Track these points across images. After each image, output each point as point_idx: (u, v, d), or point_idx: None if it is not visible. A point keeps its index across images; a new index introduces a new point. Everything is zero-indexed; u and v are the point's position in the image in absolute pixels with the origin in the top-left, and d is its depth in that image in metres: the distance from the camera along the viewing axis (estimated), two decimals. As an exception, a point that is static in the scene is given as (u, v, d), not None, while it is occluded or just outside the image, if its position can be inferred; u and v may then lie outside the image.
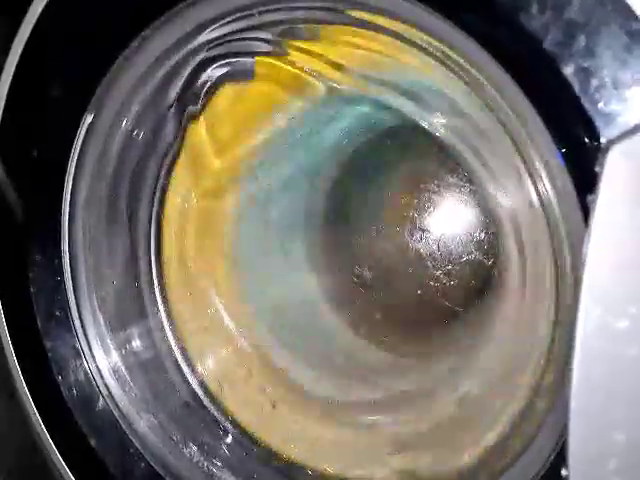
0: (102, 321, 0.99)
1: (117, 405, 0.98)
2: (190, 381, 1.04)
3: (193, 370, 1.04)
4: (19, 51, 0.90)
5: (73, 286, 0.97)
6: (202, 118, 0.99)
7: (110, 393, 0.98)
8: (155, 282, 1.04)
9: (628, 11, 0.62)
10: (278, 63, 0.95)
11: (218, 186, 1.04)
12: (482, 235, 0.99)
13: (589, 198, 0.63)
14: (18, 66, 0.91)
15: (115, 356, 1.00)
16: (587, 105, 0.63)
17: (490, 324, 0.95)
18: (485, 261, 0.99)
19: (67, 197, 0.95)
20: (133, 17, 0.87)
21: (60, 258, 0.96)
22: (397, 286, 1.08)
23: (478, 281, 1.00)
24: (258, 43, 0.93)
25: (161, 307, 1.04)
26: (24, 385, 0.97)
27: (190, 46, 0.91)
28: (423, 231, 1.03)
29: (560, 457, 0.71)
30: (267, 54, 0.94)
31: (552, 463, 0.74)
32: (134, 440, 0.98)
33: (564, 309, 0.76)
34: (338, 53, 0.92)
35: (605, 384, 0.64)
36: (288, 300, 1.11)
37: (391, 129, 1.03)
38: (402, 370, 1.06)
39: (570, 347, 0.63)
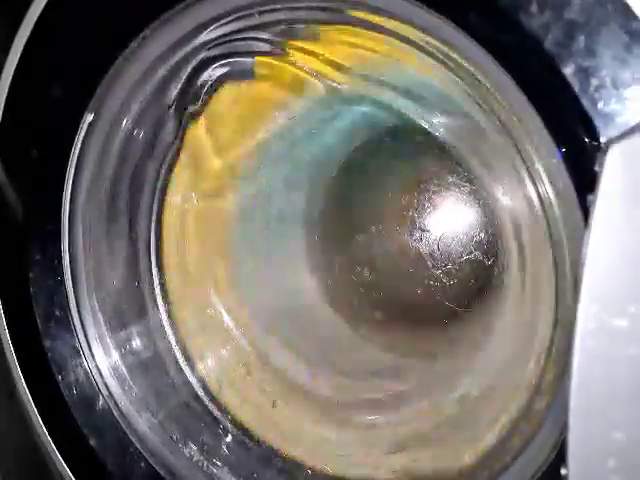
0: (102, 321, 0.99)
1: (117, 405, 0.98)
2: (190, 380, 1.04)
3: (193, 369, 1.04)
4: (19, 51, 0.90)
5: (73, 286, 0.97)
6: (202, 118, 0.99)
7: (110, 393, 0.98)
8: (155, 282, 1.04)
9: (628, 11, 0.62)
10: (278, 63, 0.95)
11: (218, 186, 1.04)
12: (482, 235, 0.99)
13: (589, 198, 0.63)
14: (18, 66, 0.91)
15: (115, 356, 1.00)
16: (587, 105, 0.63)
17: (490, 324, 0.95)
18: (485, 261, 0.99)
19: (67, 197, 0.95)
20: (133, 17, 0.87)
21: (60, 258, 0.96)
22: (397, 286, 1.08)
23: (478, 281, 1.00)
24: (258, 43, 0.93)
25: (161, 307, 1.04)
26: (24, 385, 0.97)
27: (190, 46, 0.91)
28: (423, 231, 1.03)
29: (559, 456, 0.71)
30: (267, 54, 0.94)
31: (551, 462, 0.74)
32: (134, 439, 0.98)
33: (564, 309, 0.77)
34: (338, 53, 0.92)
35: (604, 383, 0.64)
36: (288, 300, 1.11)
37: (391, 129, 1.03)
38: (402, 370, 1.06)
39: (570, 346, 0.63)
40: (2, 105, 0.92)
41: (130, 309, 1.02)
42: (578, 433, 0.64)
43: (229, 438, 1.02)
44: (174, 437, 1.00)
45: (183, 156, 1.01)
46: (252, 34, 0.91)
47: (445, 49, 0.80)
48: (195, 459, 1.00)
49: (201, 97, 0.97)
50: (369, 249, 1.09)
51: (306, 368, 1.06)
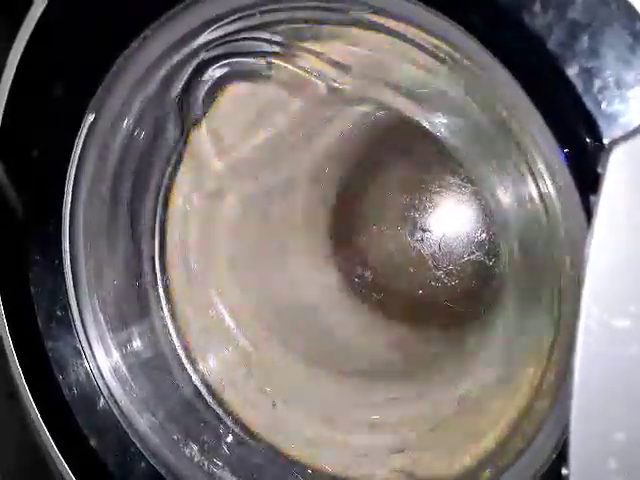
0: (103, 321, 0.99)
1: (118, 405, 0.98)
2: (191, 381, 1.04)
3: (193, 370, 1.04)
4: (20, 51, 0.90)
5: (74, 286, 0.97)
6: (203, 118, 0.99)
7: (111, 393, 0.98)
8: (157, 282, 1.04)
9: (631, 11, 0.62)
10: (279, 63, 0.95)
11: (219, 186, 1.04)
12: (483, 235, 0.99)
13: (592, 199, 0.63)
14: (19, 66, 0.90)
15: (116, 356, 1.00)
16: (590, 105, 0.63)
17: (490, 324, 0.96)
18: (487, 261, 0.99)
19: (68, 197, 0.94)
20: (133, 17, 0.87)
21: (61, 258, 0.96)
22: (398, 286, 1.08)
23: (479, 281, 1.01)
24: (259, 43, 0.93)
25: (162, 307, 1.04)
26: (25, 385, 0.97)
27: (191, 46, 0.91)
28: (424, 231, 1.03)
29: (561, 456, 0.71)
30: (268, 54, 0.94)
31: (553, 462, 0.74)
32: (135, 440, 0.98)
33: (565, 309, 0.77)
34: (339, 53, 0.92)
35: (606, 383, 0.64)
36: (288, 300, 1.11)
37: (391, 129, 1.03)
38: (402, 370, 1.06)
39: (571, 347, 0.64)
40: (3, 105, 0.92)
41: (131, 309, 1.02)
42: (579, 433, 0.64)
43: (230, 438, 1.02)
44: (175, 437, 1.00)
45: (184, 156, 1.01)
46: (253, 34, 0.91)
47: (447, 49, 0.80)
48: (196, 459, 1.00)
49: (202, 97, 0.97)
50: (370, 249, 1.09)
51: (306, 368, 1.06)
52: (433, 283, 1.03)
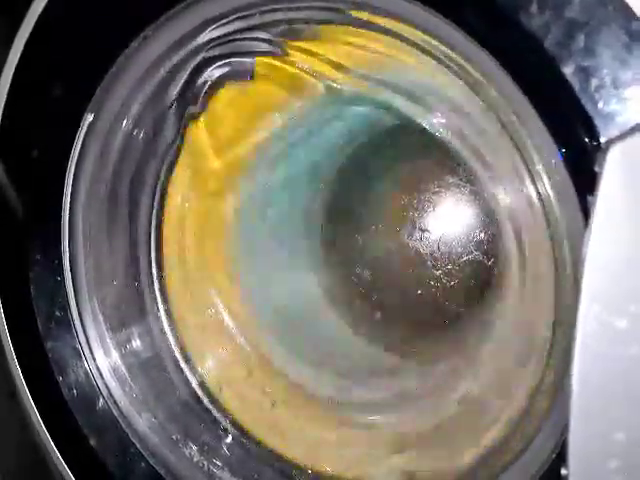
0: (102, 321, 0.99)
1: (117, 405, 0.98)
2: (190, 381, 1.04)
3: (193, 370, 1.04)
4: (19, 51, 0.90)
5: (73, 286, 0.97)
6: (202, 118, 0.99)
7: (110, 393, 0.98)
8: (155, 282, 1.04)
9: (628, 11, 0.62)
10: (278, 63, 0.95)
11: (218, 186, 1.04)
12: (482, 235, 0.99)
13: (589, 198, 0.63)
14: (18, 66, 0.91)
15: (115, 356, 1.00)
16: (587, 105, 0.63)
17: (490, 324, 0.95)
18: (485, 261, 0.99)
19: (67, 197, 0.95)
20: (133, 17, 0.87)
21: (60, 258, 0.96)
22: (397, 286, 1.08)
23: (478, 281, 1.00)
24: (258, 43, 0.93)
25: (161, 307, 1.04)
26: (24, 385, 0.97)
27: (190, 46, 0.91)
28: (423, 231, 1.03)
29: (560, 456, 0.71)
30: (267, 54, 0.94)
31: (552, 462, 0.74)
32: (134, 440, 0.98)
33: (564, 309, 0.77)
34: (338, 53, 0.92)
35: (605, 383, 0.64)
36: (288, 300, 1.11)
37: (391, 129, 1.03)
38: (402, 370, 1.06)
39: (570, 347, 0.64)
40: (2, 105, 0.92)
41: (130, 309, 1.02)
42: (579, 433, 0.64)
43: (229, 438, 1.02)
44: (174, 437, 1.00)
45: (183, 156, 1.01)
46: (252, 34, 0.91)
47: (445, 49, 0.80)
48: (195, 459, 1.00)
49: (201, 97, 0.97)
50: (369, 249, 1.09)
51: (306, 368, 1.06)
52: (432, 283, 1.03)
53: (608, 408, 0.64)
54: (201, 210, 1.04)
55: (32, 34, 0.89)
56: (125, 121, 0.95)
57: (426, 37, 0.81)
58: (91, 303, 0.99)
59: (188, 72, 0.94)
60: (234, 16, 0.88)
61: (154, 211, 1.02)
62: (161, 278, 1.04)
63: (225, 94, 0.98)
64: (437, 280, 1.02)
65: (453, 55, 0.79)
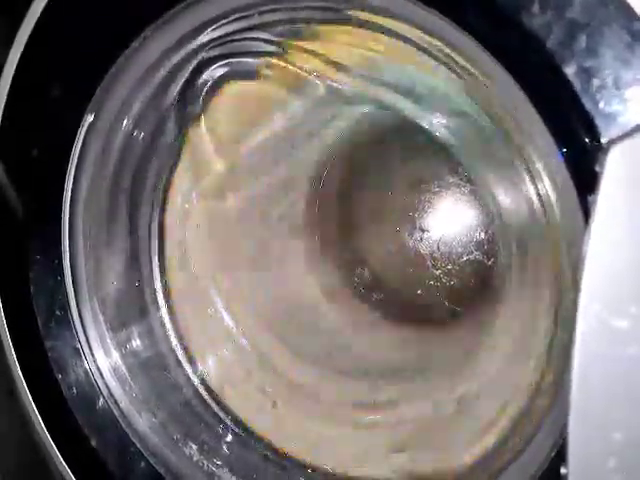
0: (102, 321, 0.99)
1: (117, 404, 0.98)
2: (190, 380, 1.04)
3: (193, 369, 1.04)
4: (19, 51, 0.90)
5: (73, 286, 0.97)
6: (202, 118, 0.99)
7: (110, 392, 0.98)
8: (156, 282, 1.04)
9: (630, 11, 0.62)
10: (278, 63, 0.95)
11: (219, 186, 1.04)
12: (482, 235, 0.99)
13: (590, 198, 0.63)
14: (18, 66, 0.90)
15: (115, 356, 1.00)
16: (588, 105, 0.63)
17: (490, 324, 0.96)
18: (485, 261, 0.99)
19: (67, 197, 0.95)
20: (133, 17, 0.87)
21: (60, 258, 0.96)
22: (397, 286, 1.08)
23: (478, 281, 1.01)
24: (258, 43, 0.93)
25: (162, 306, 1.04)
26: (24, 385, 0.97)
27: (190, 46, 0.91)
28: (423, 231, 1.03)
29: (560, 456, 0.71)
30: (267, 54, 0.94)
31: (551, 462, 0.74)
32: (134, 439, 0.98)
33: (564, 309, 0.77)
34: (338, 53, 0.92)
35: (605, 384, 0.64)
36: (288, 300, 1.11)
37: (391, 129, 1.03)
38: (402, 370, 1.06)
39: (570, 347, 0.64)
40: (2, 105, 0.92)
41: (131, 309, 1.02)
42: (578, 433, 0.64)
43: (229, 438, 1.02)
44: (174, 437, 1.00)
45: (183, 156, 1.01)
46: (252, 34, 0.91)
47: (445, 49, 0.80)
48: (195, 459, 1.00)
49: (201, 97, 0.97)
50: (369, 249, 1.10)
51: (306, 368, 1.06)
52: (432, 283, 1.03)
53: (608, 408, 0.64)
54: (202, 210, 1.04)
55: (32, 34, 0.89)
56: (125, 121, 0.95)
57: (426, 37, 0.81)
58: (91, 303, 0.98)
59: (188, 72, 0.94)
60: (234, 16, 0.88)
61: (155, 211, 1.02)
62: (162, 278, 1.04)
63: (225, 94, 0.98)
64: (437, 280, 1.02)
65: (453, 55, 0.79)
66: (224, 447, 1.01)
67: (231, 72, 0.96)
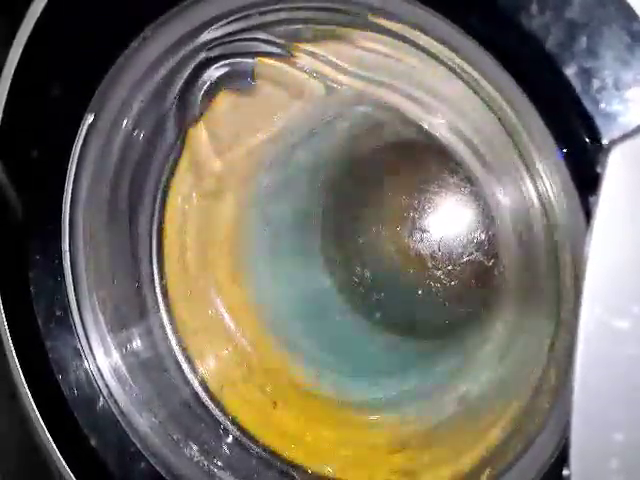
0: (103, 321, 0.99)
1: (118, 405, 0.98)
2: (191, 381, 1.04)
3: (193, 370, 1.04)
4: (19, 51, 0.90)
5: (74, 286, 0.97)
6: (202, 118, 0.99)
7: (111, 393, 0.98)
8: (156, 282, 1.04)
9: (630, 11, 0.62)
10: (278, 63, 0.95)
11: (219, 186, 1.04)
12: (482, 235, 0.99)
13: (591, 199, 0.63)
14: (18, 66, 0.90)
15: (116, 356, 1.00)
16: (589, 106, 0.63)
17: (490, 324, 0.96)
18: (486, 262, 0.99)
19: (67, 197, 0.95)
20: (133, 17, 0.87)
21: (60, 258, 0.96)
22: (397, 286, 1.08)
23: (478, 281, 1.00)
24: (258, 43, 0.93)
25: (162, 307, 1.04)
26: (25, 385, 0.97)
27: (190, 46, 0.91)
28: (423, 231, 1.03)
29: (562, 457, 0.71)
30: (267, 54, 0.94)
31: (553, 463, 0.74)
32: (134, 440, 0.98)
33: (565, 309, 0.77)
34: (338, 54, 0.92)
35: (607, 384, 0.64)
36: (288, 300, 1.11)
37: (391, 129, 1.03)
38: (402, 370, 1.06)
39: (571, 347, 0.64)
40: (2, 105, 0.92)
41: (131, 309, 1.02)
42: (580, 434, 0.64)
43: (230, 439, 1.02)
44: (175, 437, 1.00)
45: (183, 157, 1.01)
46: (253, 34, 0.91)
47: (446, 50, 0.80)
48: (196, 459, 1.00)
49: (201, 97, 0.97)
50: (369, 250, 1.09)
51: (306, 368, 1.06)
52: (432, 283, 1.03)
53: (609, 408, 0.64)
54: (202, 210, 1.04)
55: (32, 34, 0.89)
56: (125, 121, 0.95)
57: (427, 38, 0.81)
58: (91, 303, 0.98)
59: (188, 72, 0.94)
60: (234, 16, 0.88)
61: (155, 211, 1.02)
62: (162, 278, 1.04)
63: (225, 95, 0.98)
64: (437, 280, 1.02)
65: (454, 56, 0.79)
66: (224, 447, 1.01)
67: (231, 73, 0.96)
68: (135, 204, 1.00)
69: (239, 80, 0.97)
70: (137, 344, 1.02)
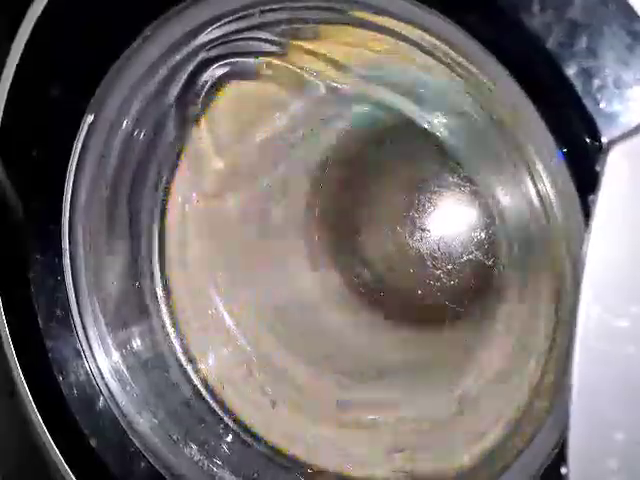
0: (103, 321, 0.99)
1: (118, 405, 0.98)
2: (190, 380, 1.04)
3: (193, 369, 1.04)
4: (19, 51, 0.90)
5: (74, 286, 0.97)
6: (203, 118, 0.99)
7: (111, 393, 0.98)
8: (156, 282, 1.04)
9: (630, 11, 0.62)
10: (279, 63, 0.95)
11: (219, 186, 1.04)
12: (482, 235, 0.99)
13: (590, 198, 0.63)
14: (18, 66, 0.90)
15: (116, 356, 1.00)
16: (589, 105, 0.63)
17: (490, 324, 0.96)
18: (485, 261, 0.99)
19: (68, 197, 0.95)
20: (133, 17, 0.87)
21: (60, 258, 0.96)
22: (397, 286, 1.08)
23: (478, 281, 1.00)
24: (259, 43, 0.93)
25: (162, 307, 1.04)
26: (25, 385, 0.97)
27: (191, 46, 0.91)
28: (423, 231, 1.03)
29: (560, 456, 0.71)
30: (268, 54, 0.94)
31: (552, 462, 0.74)
32: (135, 440, 0.98)
33: (564, 309, 0.77)
34: (338, 53, 0.92)
35: (605, 383, 0.64)
36: (288, 300, 1.11)
37: (391, 129, 1.03)
38: (402, 370, 1.06)
39: (570, 346, 0.64)
40: (3, 105, 0.92)
41: (131, 309, 1.02)
42: (579, 433, 0.65)
43: (230, 438, 1.02)
44: (175, 437, 1.00)
45: (184, 156, 1.01)
46: (253, 34, 0.91)
47: (446, 49, 0.80)
48: (196, 459, 1.00)
49: (202, 97, 0.97)
50: (369, 249, 1.09)
51: (306, 368, 1.06)
52: (433, 283, 1.03)
53: (608, 408, 0.64)
54: (202, 210, 1.04)
55: (32, 34, 0.89)
56: (126, 121, 0.95)
57: (426, 37, 0.81)
58: (92, 303, 0.98)
59: (189, 72, 0.94)
60: (234, 16, 0.88)
61: (155, 211, 1.02)
62: (162, 278, 1.04)
63: (226, 94, 0.98)
64: (437, 280, 1.02)
65: (454, 55, 0.80)
66: (224, 447, 1.01)
67: (231, 72, 0.96)
68: (135, 204, 1.00)
69: (239, 80, 0.97)
70: (137, 344, 1.02)
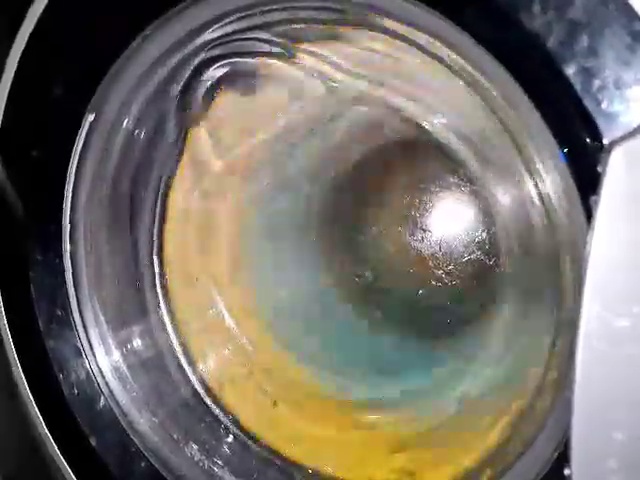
0: (103, 320, 0.99)
1: (118, 404, 0.98)
2: (191, 380, 1.04)
3: (194, 369, 1.04)
4: (20, 51, 0.90)
5: (74, 286, 0.97)
6: (203, 118, 0.99)
7: (111, 392, 0.98)
8: (156, 282, 1.04)
9: (631, 11, 0.62)
10: (279, 63, 0.95)
11: (219, 186, 1.04)
12: (483, 235, 0.99)
13: (592, 198, 0.63)
14: (19, 66, 0.90)
15: (116, 355, 1.00)
16: (589, 105, 0.63)
17: (490, 324, 0.96)
18: (486, 261, 0.99)
19: (68, 197, 0.95)
20: (133, 17, 0.86)
21: (61, 258, 0.96)
22: (398, 286, 1.08)
23: (479, 281, 1.00)
24: (259, 43, 0.93)
25: (162, 306, 1.04)
26: (25, 384, 0.97)
27: (191, 46, 0.91)
28: (424, 231, 1.03)
29: (562, 456, 0.71)
30: (268, 54, 0.94)
31: (554, 462, 0.74)
32: (135, 439, 0.98)
33: (566, 309, 0.77)
34: (339, 53, 0.92)
35: (607, 384, 0.64)
36: (288, 300, 1.11)
37: (391, 129, 1.03)
38: (402, 370, 1.06)
39: (572, 347, 0.64)
40: (3, 105, 0.92)
41: (131, 309, 1.02)
42: (581, 433, 0.65)
43: (230, 438, 1.02)
44: (175, 437, 1.00)
45: (184, 156, 1.01)
46: (253, 34, 0.91)
47: (446, 49, 0.80)
48: (196, 459, 1.00)
49: (202, 97, 0.97)
50: (369, 249, 1.09)
51: (307, 368, 1.06)
52: (433, 283, 1.03)
53: (610, 408, 0.65)
54: (202, 210, 1.04)
55: (33, 34, 0.89)
56: (126, 121, 0.95)
57: (427, 37, 0.81)
58: (92, 302, 0.98)
59: (189, 72, 0.94)
60: (235, 16, 0.88)
61: (155, 211, 1.02)
62: (162, 278, 1.04)
63: (226, 94, 0.98)
64: (438, 280, 1.02)
65: (454, 55, 0.80)
66: (224, 447, 1.01)
67: (232, 72, 0.96)
68: (136, 204, 1.00)
69: (239, 80, 0.97)
70: (138, 343, 1.02)
